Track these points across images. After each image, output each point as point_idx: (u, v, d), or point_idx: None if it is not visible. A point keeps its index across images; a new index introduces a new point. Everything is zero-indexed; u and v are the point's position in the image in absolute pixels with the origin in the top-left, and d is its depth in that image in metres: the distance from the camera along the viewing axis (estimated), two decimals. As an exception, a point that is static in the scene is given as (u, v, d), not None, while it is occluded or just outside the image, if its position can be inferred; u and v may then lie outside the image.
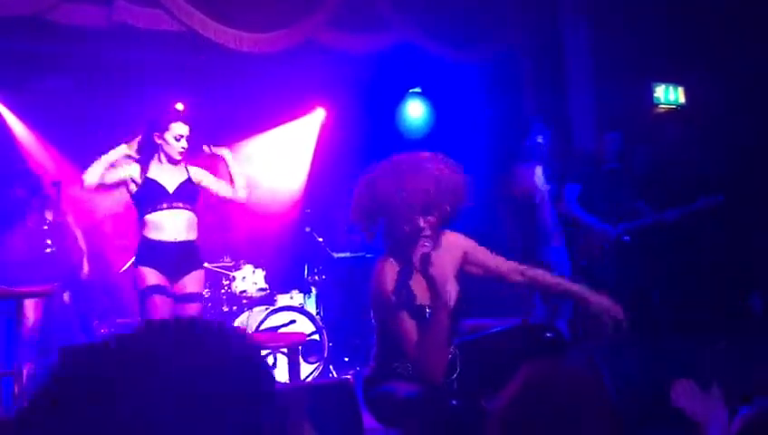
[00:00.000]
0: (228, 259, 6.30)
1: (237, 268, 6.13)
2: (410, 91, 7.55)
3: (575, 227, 5.26)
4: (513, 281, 2.83)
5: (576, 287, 2.84)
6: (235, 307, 5.98)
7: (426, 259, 2.51)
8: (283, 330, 5.62)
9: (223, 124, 6.99)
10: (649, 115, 6.40)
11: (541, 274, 2.87)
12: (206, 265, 6.15)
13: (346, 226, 7.20)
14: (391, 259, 2.63)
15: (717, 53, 5.71)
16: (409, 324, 2.54)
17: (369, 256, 6.56)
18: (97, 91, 6.44)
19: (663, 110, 6.43)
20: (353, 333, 6.30)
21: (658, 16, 5.87)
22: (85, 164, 6.60)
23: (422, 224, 2.57)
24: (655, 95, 6.32)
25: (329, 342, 5.79)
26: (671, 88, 6.35)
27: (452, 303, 2.52)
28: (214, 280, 6.18)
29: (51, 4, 4.74)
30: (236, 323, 5.80)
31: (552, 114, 5.91)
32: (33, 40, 5.63)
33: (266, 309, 5.72)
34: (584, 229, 5.20)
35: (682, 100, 6.40)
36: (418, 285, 2.60)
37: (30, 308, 5.12)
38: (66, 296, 5.53)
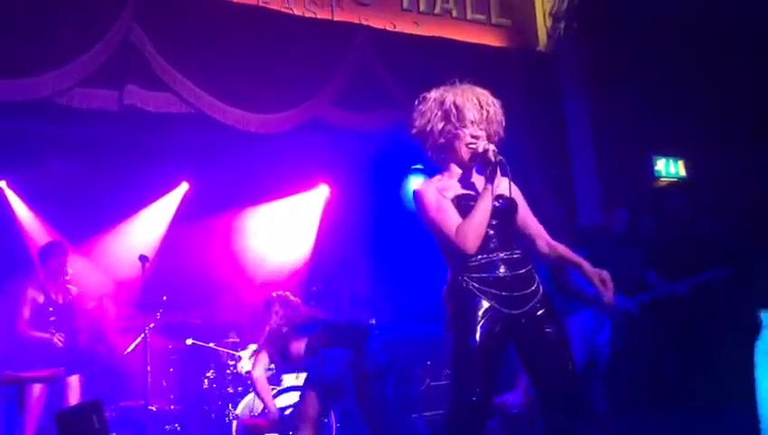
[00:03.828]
0: (234, 336, 6.24)
1: (243, 347, 6.04)
2: (413, 167, 7.62)
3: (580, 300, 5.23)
4: (538, 246, 3.00)
5: (578, 258, 3.01)
6: (240, 388, 5.86)
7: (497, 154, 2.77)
8: (289, 411, 5.50)
9: (225, 198, 7.05)
10: (651, 187, 6.48)
11: (563, 248, 3.00)
12: (211, 344, 6.12)
13: (350, 301, 7.17)
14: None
15: (716, 126, 5.82)
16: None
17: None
18: (103, 173, 6.49)
19: (664, 182, 6.51)
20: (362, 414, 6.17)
21: (658, 91, 6.01)
22: (86, 246, 6.66)
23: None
24: (656, 168, 6.41)
25: (336, 422, 5.65)
26: (671, 161, 6.45)
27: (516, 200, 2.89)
28: (219, 360, 6.09)
29: (65, 88, 4.83)
30: (242, 404, 5.68)
31: (557, 187, 5.98)
32: (42, 122, 5.70)
33: (272, 390, 5.60)
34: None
35: (683, 173, 6.49)
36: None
37: (35, 392, 5.00)
38: None
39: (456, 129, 2.87)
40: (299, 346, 4.89)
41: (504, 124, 2.97)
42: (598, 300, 5.05)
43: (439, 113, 2.89)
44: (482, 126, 2.88)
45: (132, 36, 5.00)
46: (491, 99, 2.94)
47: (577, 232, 5.56)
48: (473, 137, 2.85)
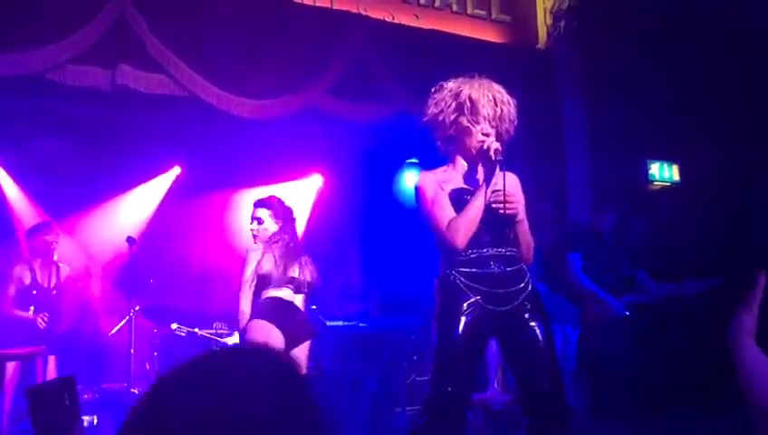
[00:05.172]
0: (220, 325, 6.19)
1: (229, 335, 6.00)
2: (407, 161, 7.58)
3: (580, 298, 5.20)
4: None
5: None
6: (224, 375, 5.82)
7: (499, 153, 2.74)
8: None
9: (216, 182, 7.01)
10: (644, 191, 6.46)
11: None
12: (196, 330, 6.08)
13: (340, 291, 7.11)
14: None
15: (712, 131, 5.80)
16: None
17: (361, 325, 6.46)
18: (94, 154, 6.43)
19: (658, 186, 6.49)
20: (345, 404, 6.15)
21: (654, 95, 5.99)
22: (74, 226, 6.61)
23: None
24: (650, 172, 6.39)
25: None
26: (666, 165, 6.43)
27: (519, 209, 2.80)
28: (203, 346, 6.05)
29: (59, 63, 4.78)
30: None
31: (549, 186, 5.95)
32: (33, 100, 5.64)
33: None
34: (590, 299, 5.15)
35: (677, 177, 6.48)
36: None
37: (9, 369, 4.96)
38: None
39: (468, 122, 2.84)
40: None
41: (515, 124, 2.94)
42: (596, 296, 5.05)
43: (453, 104, 2.86)
44: (494, 123, 2.85)
45: (127, 15, 4.95)
46: (506, 97, 2.91)
47: (565, 230, 5.54)
48: (483, 134, 2.82)
